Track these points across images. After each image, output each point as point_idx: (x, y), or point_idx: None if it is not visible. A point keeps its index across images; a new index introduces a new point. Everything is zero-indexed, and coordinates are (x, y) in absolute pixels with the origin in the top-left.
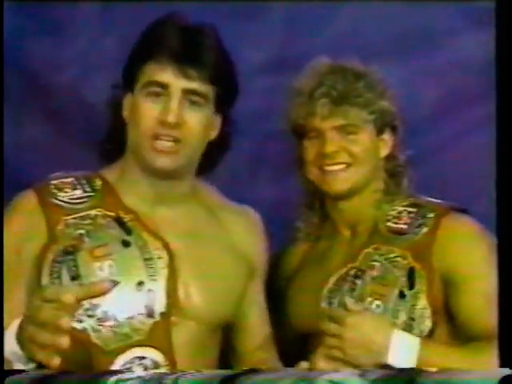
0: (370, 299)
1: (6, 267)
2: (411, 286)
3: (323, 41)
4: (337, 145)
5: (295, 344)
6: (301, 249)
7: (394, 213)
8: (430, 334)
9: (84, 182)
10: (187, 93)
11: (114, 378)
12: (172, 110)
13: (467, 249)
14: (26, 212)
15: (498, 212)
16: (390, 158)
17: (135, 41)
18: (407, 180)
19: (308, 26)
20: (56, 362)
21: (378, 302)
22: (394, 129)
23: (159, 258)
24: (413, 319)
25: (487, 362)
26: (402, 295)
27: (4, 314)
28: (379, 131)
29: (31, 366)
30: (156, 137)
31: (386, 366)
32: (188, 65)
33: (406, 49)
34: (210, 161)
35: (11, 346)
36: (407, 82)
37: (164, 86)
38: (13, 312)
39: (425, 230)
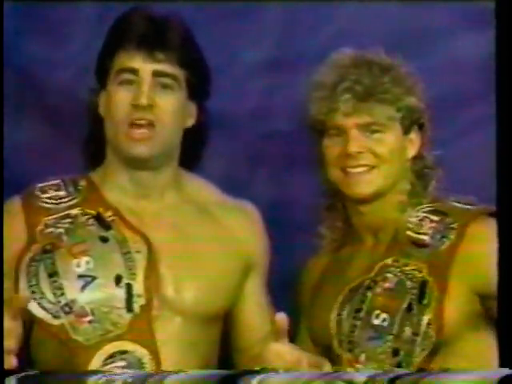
0: (377, 312)
1: None
2: (420, 300)
3: (321, 41)
4: (361, 145)
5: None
6: (325, 259)
7: (415, 220)
8: (433, 352)
9: (69, 183)
10: (157, 75)
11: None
12: (143, 92)
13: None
14: (8, 218)
15: (498, 212)
16: (417, 158)
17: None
18: (435, 182)
19: (306, 26)
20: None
21: (384, 316)
22: (421, 127)
23: (137, 251)
24: (417, 334)
25: None
26: (409, 309)
27: None
28: (406, 130)
29: None
30: (131, 123)
31: None
32: (156, 48)
33: (406, 49)
34: (191, 152)
35: None
36: None
37: (134, 72)
38: None
39: (447, 242)
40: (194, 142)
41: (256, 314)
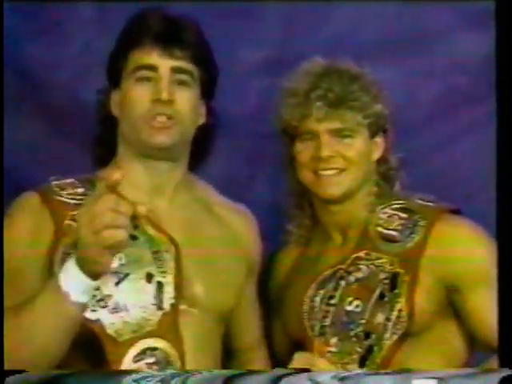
0: (350, 299)
1: (17, 265)
2: (392, 289)
3: (321, 41)
4: (332, 149)
5: (286, 351)
6: (293, 254)
7: (384, 217)
8: (403, 337)
9: (84, 181)
10: (175, 71)
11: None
12: (164, 87)
13: (464, 252)
14: (30, 211)
15: (497, 212)
16: (382, 160)
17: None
18: (399, 183)
19: (305, 26)
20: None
21: (357, 302)
22: (385, 131)
23: (167, 251)
24: (388, 320)
25: None
26: (381, 296)
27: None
28: (372, 134)
29: (91, 290)
30: (153, 117)
31: None
32: (172, 45)
33: (406, 49)
34: (199, 153)
35: (70, 275)
36: (406, 82)
37: (153, 68)
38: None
39: (416, 238)
40: (201, 142)
41: (253, 316)
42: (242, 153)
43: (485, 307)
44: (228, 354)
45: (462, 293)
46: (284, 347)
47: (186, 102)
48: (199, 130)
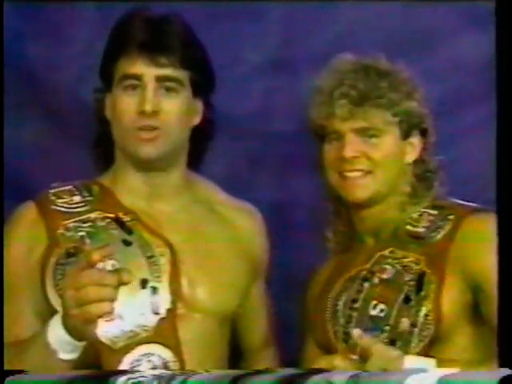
0: (374, 302)
1: (11, 280)
2: (418, 292)
3: (322, 42)
4: (356, 149)
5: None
6: (331, 263)
7: (415, 215)
8: (430, 344)
9: (82, 188)
10: (161, 80)
11: (123, 378)
12: (148, 98)
13: (491, 248)
14: (26, 223)
15: (497, 212)
16: (418, 162)
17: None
18: (438, 185)
19: (307, 27)
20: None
21: (382, 306)
22: (424, 131)
23: (161, 255)
24: (414, 325)
25: None
26: (407, 299)
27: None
28: (406, 134)
29: (79, 349)
30: (137, 129)
31: None
32: (157, 52)
33: (406, 49)
34: (198, 150)
35: (58, 334)
36: None
37: (138, 78)
38: (18, 318)
39: (442, 233)
40: (200, 138)
41: (261, 316)
42: (244, 153)
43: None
44: (237, 354)
45: (487, 293)
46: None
47: (174, 109)
48: (196, 128)
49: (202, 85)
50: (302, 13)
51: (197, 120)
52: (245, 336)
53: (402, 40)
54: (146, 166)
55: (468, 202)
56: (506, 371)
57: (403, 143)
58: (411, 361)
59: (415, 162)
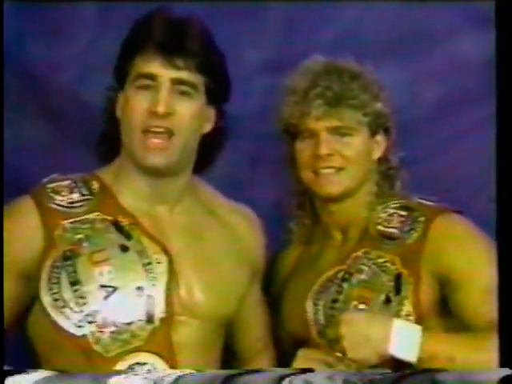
0: (355, 303)
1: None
2: (397, 292)
3: (322, 41)
4: (331, 147)
5: (292, 348)
6: (294, 253)
7: (384, 215)
8: None
9: (81, 184)
10: (176, 83)
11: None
12: (161, 100)
13: (460, 247)
14: (22, 218)
15: (497, 212)
16: (382, 160)
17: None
18: (400, 182)
19: (307, 26)
20: None
21: (363, 306)
22: (386, 130)
23: (158, 262)
24: None
25: (488, 348)
26: (387, 301)
27: None
28: (373, 133)
29: None
30: (147, 130)
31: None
32: (175, 55)
33: (406, 49)
34: (207, 157)
35: None
36: (407, 83)
37: (152, 78)
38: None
39: (415, 234)
40: (209, 146)
41: (260, 319)
42: (244, 153)
43: (476, 300)
44: (231, 355)
45: (453, 285)
46: (287, 345)
47: (187, 113)
48: (207, 135)
49: (217, 92)
50: (302, 13)
51: (208, 127)
52: (241, 338)
53: (402, 40)
54: (151, 173)
55: (468, 201)
56: (506, 371)
57: (370, 141)
58: (398, 325)
59: (379, 159)
